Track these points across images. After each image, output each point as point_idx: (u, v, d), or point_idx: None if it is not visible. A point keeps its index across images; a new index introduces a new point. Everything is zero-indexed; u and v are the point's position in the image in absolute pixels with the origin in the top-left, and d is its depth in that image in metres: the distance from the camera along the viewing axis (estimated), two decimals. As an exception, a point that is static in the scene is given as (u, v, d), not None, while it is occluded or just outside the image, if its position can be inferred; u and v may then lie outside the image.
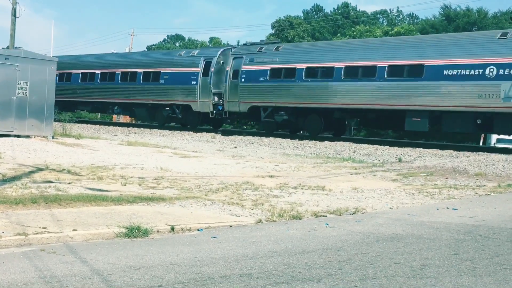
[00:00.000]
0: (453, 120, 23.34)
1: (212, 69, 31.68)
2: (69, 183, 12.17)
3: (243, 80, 30.00)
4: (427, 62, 23.73)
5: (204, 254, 6.80)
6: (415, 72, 24.01)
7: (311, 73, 27.46)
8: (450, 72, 22.92)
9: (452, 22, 56.14)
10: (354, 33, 67.65)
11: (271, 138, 27.55)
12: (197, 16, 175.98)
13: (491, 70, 21.91)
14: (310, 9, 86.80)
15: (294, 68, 28.05)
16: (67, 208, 9.47)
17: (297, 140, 26.93)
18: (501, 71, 21.65)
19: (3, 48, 29.95)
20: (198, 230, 8.48)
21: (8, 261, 6.32)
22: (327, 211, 10.33)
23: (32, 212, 8.95)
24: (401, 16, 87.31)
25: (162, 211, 9.65)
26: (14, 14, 36.53)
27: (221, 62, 31.53)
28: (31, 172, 13.67)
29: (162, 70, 34.15)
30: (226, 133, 31.05)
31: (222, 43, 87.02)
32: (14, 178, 12.41)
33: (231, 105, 30.56)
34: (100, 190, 11.40)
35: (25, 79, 21.74)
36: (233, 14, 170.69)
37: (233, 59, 30.98)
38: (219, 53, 32.13)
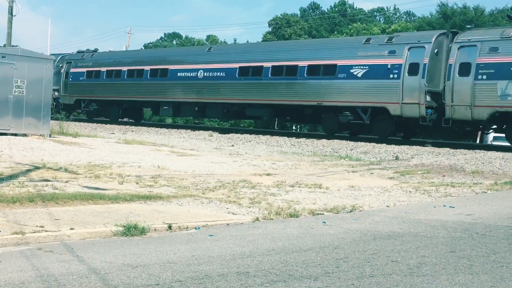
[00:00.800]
0: (185, 108, 33.80)
1: (53, 71, 40.34)
2: (66, 182, 12.16)
3: (70, 79, 39.99)
4: (170, 67, 34.04)
5: (201, 252, 6.80)
6: (163, 74, 34.30)
7: (110, 74, 37.49)
8: (182, 74, 33.14)
9: (449, 19, 56.18)
10: (351, 31, 67.70)
11: (268, 136, 27.61)
12: (194, 13, 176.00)
13: (201, 73, 32.13)
14: (307, 7, 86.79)
15: (99, 71, 38.20)
16: (64, 206, 9.47)
17: (294, 138, 26.99)
18: (206, 74, 31.94)
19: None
20: (196, 228, 8.49)
21: (5, 260, 6.31)
22: (324, 209, 10.34)
23: (29, 211, 8.94)
24: (398, 13, 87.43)
25: (159, 210, 9.66)
26: (10, 12, 36.47)
27: (60, 65, 40.38)
28: (28, 170, 13.66)
29: None
30: (223, 131, 32.16)
31: (218, 41, 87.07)
32: (11, 177, 12.40)
33: (64, 98, 40.28)
34: (97, 188, 11.40)
35: (22, 77, 21.70)
36: (230, 12, 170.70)
37: (66, 63, 40.79)
38: (58, 58, 40.72)
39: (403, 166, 18.23)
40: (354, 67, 26.25)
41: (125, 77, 36.35)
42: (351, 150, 22.88)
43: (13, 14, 36.54)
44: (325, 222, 8.91)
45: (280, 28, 68.84)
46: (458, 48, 23.90)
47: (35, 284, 5.40)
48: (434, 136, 27.95)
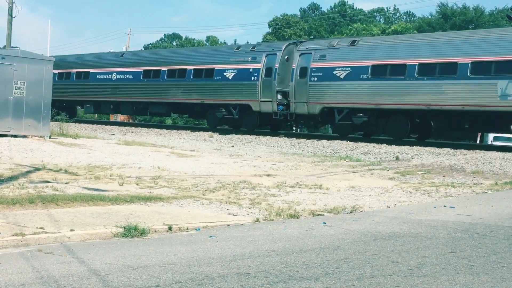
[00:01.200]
0: (104, 106, 38.46)
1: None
2: (66, 183, 12.15)
3: None
4: (91, 70, 38.56)
5: (201, 253, 6.80)
6: (86, 76, 38.90)
7: (62, 76, 40.88)
8: (100, 76, 37.80)
9: (448, 20, 56.20)
10: (351, 31, 67.71)
11: (268, 137, 27.64)
12: (194, 14, 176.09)
13: (114, 75, 36.83)
14: (307, 7, 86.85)
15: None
16: (64, 208, 9.46)
17: (294, 138, 27.01)
18: (119, 76, 36.67)
19: (-1, 47, 29.88)
20: (196, 229, 8.48)
21: (6, 261, 6.31)
22: (324, 210, 10.33)
23: (29, 212, 8.94)
24: (398, 14, 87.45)
25: (160, 211, 9.65)
26: (10, 14, 36.49)
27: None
28: (28, 172, 13.66)
29: None
30: (223, 132, 32.29)
31: (218, 42, 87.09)
32: (11, 178, 12.40)
33: None
34: (97, 189, 11.39)
35: (22, 78, 21.69)
36: (230, 13, 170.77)
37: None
38: None
39: (403, 167, 18.22)
40: (226, 71, 31.13)
41: (56, 79, 40.24)
42: (352, 150, 22.88)
43: (13, 16, 36.56)
44: (325, 223, 8.90)
45: (280, 29, 68.87)
46: (299, 55, 28.49)
47: (35, 286, 5.39)
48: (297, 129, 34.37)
